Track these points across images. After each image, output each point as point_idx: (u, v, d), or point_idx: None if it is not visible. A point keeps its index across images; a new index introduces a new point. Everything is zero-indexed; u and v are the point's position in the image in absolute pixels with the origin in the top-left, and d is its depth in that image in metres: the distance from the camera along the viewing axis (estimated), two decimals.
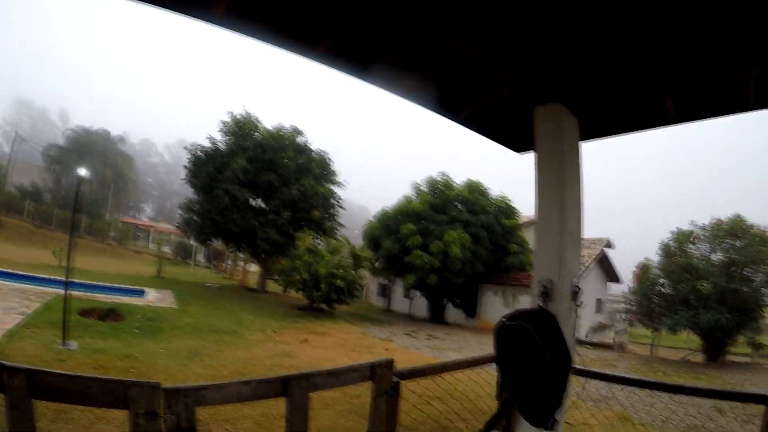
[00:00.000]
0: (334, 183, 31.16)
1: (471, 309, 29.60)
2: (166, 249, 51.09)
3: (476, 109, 3.49)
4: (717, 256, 22.33)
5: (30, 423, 2.14)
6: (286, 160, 28.54)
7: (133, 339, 11.41)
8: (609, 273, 34.27)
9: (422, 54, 2.92)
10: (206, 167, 27.64)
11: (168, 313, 15.56)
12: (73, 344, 9.90)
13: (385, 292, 36.25)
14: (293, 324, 17.97)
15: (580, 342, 24.83)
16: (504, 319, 2.67)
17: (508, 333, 2.61)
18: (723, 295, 20.23)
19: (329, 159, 30.97)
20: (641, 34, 2.72)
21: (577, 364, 3.86)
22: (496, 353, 2.63)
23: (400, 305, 34.29)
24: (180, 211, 31.84)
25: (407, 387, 5.31)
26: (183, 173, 30.44)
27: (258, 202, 28.82)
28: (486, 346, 14.50)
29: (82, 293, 15.39)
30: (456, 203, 28.77)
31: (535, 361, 2.54)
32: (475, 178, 30.43)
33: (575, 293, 3.00)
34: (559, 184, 3.11)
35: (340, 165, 31.54)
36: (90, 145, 60.35)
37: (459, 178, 30.62)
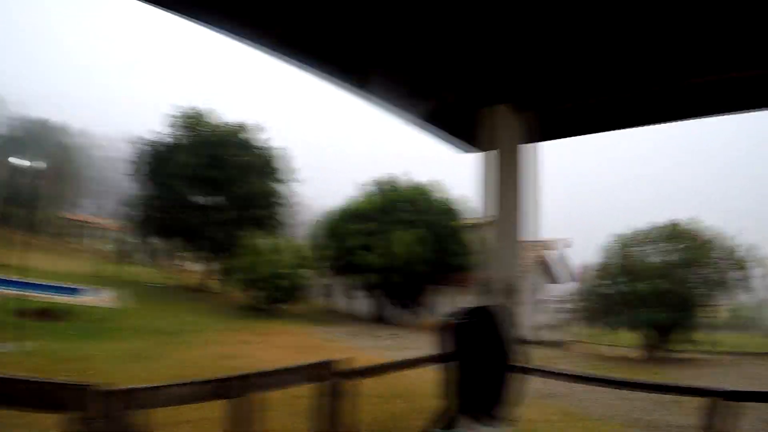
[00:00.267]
0: (281, 181, 30.75)
1: (416, 309, 29.54)
2: (108, 246, 49.68)
3: (424, 109, 3.48)
4: (656, 259, 23.30)
5: None
6: (233, 157, 27.98)
7: (72, 340, 11.09)
8: (553, 273, 34.82)
9: (370, 51, 2.90)
10: (151, 162, 26.98)
11: (109, 314, 15.20)
12: (8, 346, 9.56)
13: (330, 292, 35.67)
14: (237, 325, 17.76)
15: (527, 340, 25.15)
16: (445, 317, 2.67)
17: (450, 330, 2.61)
18: (662, 294, 21.23)
19: (277, 156, 30.53)
20: (591, 39, 2.75)
21: (521, 362, 3.89)
22: (438, 351, 2.62)
23: (345, 305, 33.81)
24: (123, 207, 30.87)
25: (350, 387, 5.29)
26: (127, 167, 29.42)
27: (204, 200, 28.21)
28: (431, 345, 14.49)
29: (16, 291, 14.86)
30: (402, 204, 28.60)
31: (476, 359, 2.54)
32: (429, 178, 30.53)
33: (516, 292, 3.04)
34: (504, 184, 3.12)
35: (288, 163, 31.16)
36: (28, 135, 57.90)
37: (417, 177, 30.60)
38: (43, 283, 19.21)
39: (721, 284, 22.45)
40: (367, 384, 5.78)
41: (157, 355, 10.79)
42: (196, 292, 28.11)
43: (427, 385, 2.53)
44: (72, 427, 2.25)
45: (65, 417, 2.25)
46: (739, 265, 22.28)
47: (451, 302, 27.31)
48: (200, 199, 28.16)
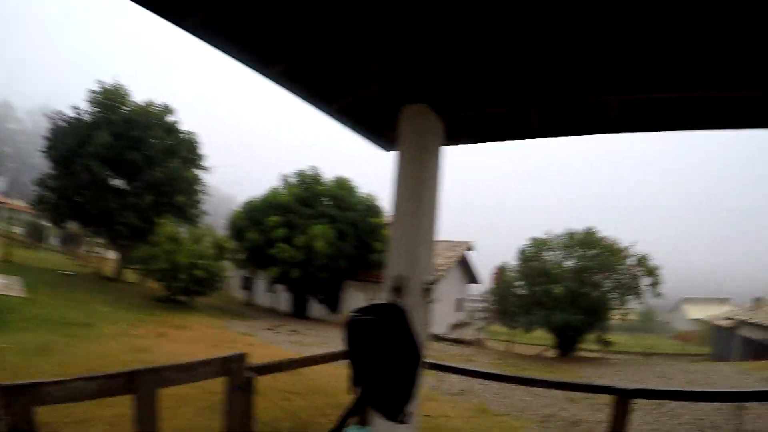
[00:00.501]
0: (202, 168, 29.68)
1: (334, 304, 29.40)
2: (17, 229, 47.33)
3: (347, 103, 3.45)
4: (570, 263, 24.56)
5: None
6: (153, 139, 26.75)
7: None
8: (470, 274, 35.38)
9: (292, 39, 2.86)
10: (67, 139, 25.23)
11: (15, 303, 14.45)
12: None
13: (248, 285, 35.42)
14: (151, 316, 17.18)
15: (442, 338, 25.70)
16: (354, 313, 2.66)
17: (359, 326, 2.60)
18: (574, 297, 22.54)
19: (198, 141, 29.49)
20: (510, 51, 2.80)
21: (436, 359, 3.93)
22: (346, 347, 2.60)
23: (263, 299, 33.58)
24: (34, 187, 28.30)
25: (267, 383, 5.22)
26: (43, 144, 27.15)
27: (119, 183, 26.67)
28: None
29: None
30: (324, 198, 28.40)
31: (385, 355, 2.53)
32: (352, 173, 30.37)
33: (427, 290, 3.06)
34: (418, 183, 3.12)
35: (209, 150, 30.25)
36: None
37: (342, 172, 30.55)
38: None
39: (631, 289, 23.73)
40: (285, 380, 5.75)
41: (65, 348, 10.34)
42: (109, 281, 26.83)
43: (345, 381, 2.52)
44: None
45: None
46: (648, 271, 23.63)
47: (370, 299, 27.47)
48: (117, 182, 26.54)
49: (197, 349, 12.48)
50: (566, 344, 24.18)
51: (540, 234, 26.36)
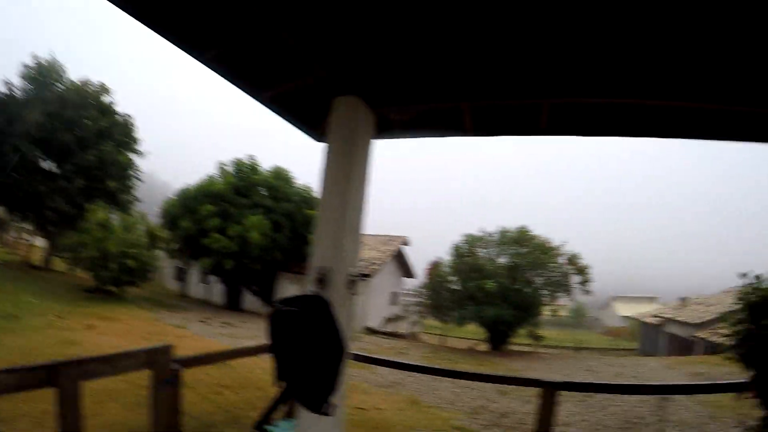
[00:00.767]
0: (136, 152, 28.50)
1: (268, 297, 28.64)
2: None
3: (279, 92, 3.42)
4: (503, 260, 25.26)
5: None
6: (87, 120, 25.40)
7: None
8: (405, 268, 35.62)
9: (224, 24, 2.82)
10: None
11: None
12: None
13: (181, 275, 34.49)
14: (80, 308, 16.61)
15: (376, 331, 25.84)
16: (277, 304, 2.65)
17: (282, 318, 2.59)
18: (507, 293, 23.20)
19: (133, 124, 28.32)
20: (443, 48, 2.82)
21: (369, 352, 3.96)
22: (270, 340, 2.59)
23: (196, 290, 32.77)
24: None
25: (197, 377, 5.16)
26: None
27: (50, 165, 25.33)
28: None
29: None
30: (260, 188, 27.83)
31: (308, 347, 2.53)
32: (289, 164, 29.95)
33: (352, 282, 3.07)
34: (346, 176, 3.10)
35: (144, 134, 29.15)
36: None
37: (282, 162, 29.86)
38: None
39: (562, 286, 24.47)
40: (215, 373, 5.69)
41: None
42: (37, 270, 25.62)
43: (269, 374, 2.51)
44: None
45: None
46: (579, 270, 24.44)
47: (303, 291, 27.26)
48: (47, 164, 25.18)
49: (127, 342, 12.18)
50: (498, 338, 24.64)
51: (475, 231, 26.82)
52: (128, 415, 6.30)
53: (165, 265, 31.90)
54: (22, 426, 5.59)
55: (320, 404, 2.54)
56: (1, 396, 2.75)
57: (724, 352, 4.15)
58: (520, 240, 25.34)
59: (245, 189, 27.21)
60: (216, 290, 30.36)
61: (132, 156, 28.32)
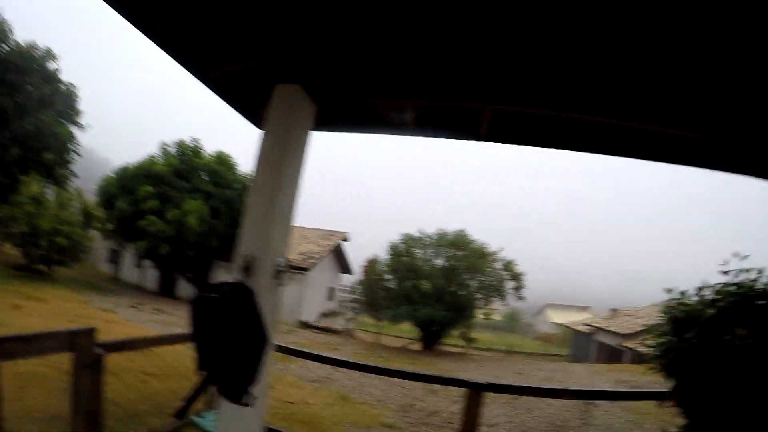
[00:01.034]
0: (77, 124, 27.56)
1: (203, 284, 27.86)
2: None
3: (222, 74, 3.35)
4: (439, 262, 25.65)
5: None
6: (29, 87, 24.44)
7: None
8: (344, 264, 35.66)
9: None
10: None
11: None
12: None
13: (115, 258, 33.50)
14: (6, 286, 15.97)
15: (310, 326, 25.79)
16: (200, 291, 2.61)
17: (204, 305, 2.56)
18: (441, 294, 23.61)
19: (77, 95, 27.35)
20: (388, 42, 2.80)
21: (301, 346, 3.94)
22: (191, 327, 2.55)
23: (130, 274, 31.85)
24: None
25: (123, 364, 5.06)
26: None
27: None
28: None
29: None
30: (202, 172, 27.09)
31: (229, 336, 2.50)
32: (233, 150, 29.33)
33: (279, 272, 3.02)
34: (280, 165, 3.04)
35: (87, 106, 27.87)
36: None
37: (228, 147, 29.24)
38: None
39: (496, 291, 25.01)
40: (141, 362, 5.58)
41: None
42: None
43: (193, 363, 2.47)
44: None
45: None
46: (513, 276, 25.06)
47: (227, 279, 26.79)
48: None
49: (54, 324, 11.73)
50: (431, 338, 24.96)
51: (413, 231, 27.05)
52: (50, 400, 6.10)
53: (99, 246, 30.92)
54: None
55: (240, 394, 2.52)
56: None
57: (649, 362, 4.30)
58: (457, 243, 25.64)
59: (186, 172, 26.39)
60: (150, 275, 29.63)
61: (73, 128, 27.35)
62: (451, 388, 8.19)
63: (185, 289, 28.22)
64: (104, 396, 3.71)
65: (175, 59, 3.18)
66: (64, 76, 27.08)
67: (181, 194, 24.97)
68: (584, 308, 69.65)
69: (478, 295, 25.29)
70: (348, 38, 2.85)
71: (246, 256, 2.92)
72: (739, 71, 2.43)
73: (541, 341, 57.11)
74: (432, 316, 23.09)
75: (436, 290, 23.55)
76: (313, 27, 2.79)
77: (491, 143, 3.64)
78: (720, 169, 3.57)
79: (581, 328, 38.93)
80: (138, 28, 2.89)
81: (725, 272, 3.90)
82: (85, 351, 3.41)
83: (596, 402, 9.71)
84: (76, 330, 3.41)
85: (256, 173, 3.13)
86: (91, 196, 25.74)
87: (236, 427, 2.91)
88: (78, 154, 27.99)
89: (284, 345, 5.83)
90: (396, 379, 8.95)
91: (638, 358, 22.30)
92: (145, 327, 14.53)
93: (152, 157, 27.02)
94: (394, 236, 26.92)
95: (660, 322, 4.35)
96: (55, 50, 26.13)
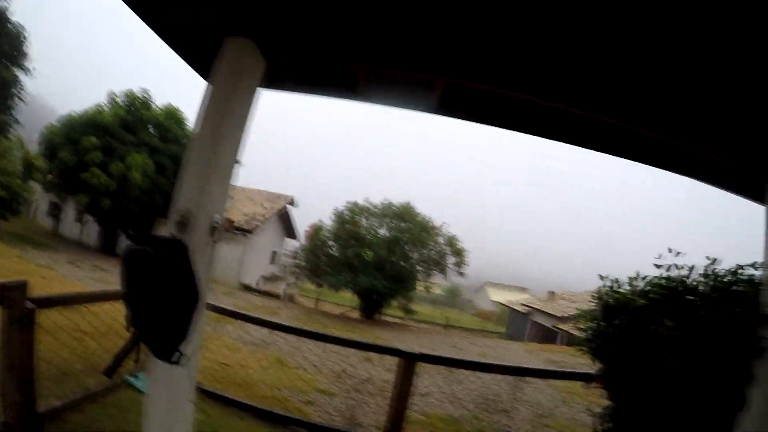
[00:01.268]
0: (23, 69, 26.52)
1: (136, 238, 26.98)
2: None
3: (175, 22, 3.23)
4: (383, 232, 25.83)
5: None
6: None
7: None
8: (290, 228, 35.52)
9: None
10: None
11: None
12: None
13: (55, 212, 32.22)
14: None
15: (252, 289, 25.66)
16: (131, 244, 2.55)
17: (135, 259, 2.49)
18: (383, 264, 23.80)
19: (26, 37, 26.20)
20: (342, 4, 2.77)
21: (240, 308, 3.90)
22: (123, 282, 2.49)
23: (70, 229, 30.87)
24: None
25: (58, 321, 4.94)
26: None
27: None
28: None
29: None
30: (150, 126, 25.89)
31: (160, 292, 2.44)
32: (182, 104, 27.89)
33: (214, 229, 2.95)
34: (223, 120, 2.94)
35: (35, 49, 26.70)
36: None
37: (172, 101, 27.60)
38: None
39: (438, 265, 25.33)
40: (75, 319, 5.46)
41: None
42: None
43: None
44: None
45: None
46: (455, 251, 25.41)
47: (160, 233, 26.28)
48: None
49: None
50: (371, 307, 25.24)
51: (359, 200, 27.22)
52: None
53: (40, 199, 29.97)
54: None
55: (169, 353, 2.48)
56: None
57: (580, 345, 4.43)
58: (403, 215, 25.92)
59: (134, 125, 25.14)
60: (91, 231, 28.82)
61: (18, 72, 26.30)
62: (386, 356, 8.29)
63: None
64: (37, 353, 3.64)
65: (127, 4, 3.06)
66: (15, 17, 26.02)
67: (126, 147, 23.91)
68: (524, 289, 71.35)
69: (420, 268, 25.62)
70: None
71: (182, 211, 2.82)
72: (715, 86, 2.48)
73: (480, 318, 58.15)
74: (373, 285, 23.29)
75: (379, 260, 23.73)
76: None
77: (444, 116, 3.63)
78: (692, 176, 3.70)
79: (519, 307, 39.92)
80: None
81: (658, 266, 4.02)
82: (16, 305, 3.33)
83: (527, 378, 9.97)
84: (7, 283, 3.30)
85: (198, 126, 3.02)
86: (33, 146, 24.77)
87: (166, 387, 2.85)
88: (22, 101, 27.03)
89: (222, 306, 5.80)
90: (332, 346, 9.00)
91: (570, 341, 22.98)
92: (84, 284, 14.16)
93: (99, 106, 25.60)
94: (342, 204, 26.98)
95: (592, 307, 4.47)
96: None
